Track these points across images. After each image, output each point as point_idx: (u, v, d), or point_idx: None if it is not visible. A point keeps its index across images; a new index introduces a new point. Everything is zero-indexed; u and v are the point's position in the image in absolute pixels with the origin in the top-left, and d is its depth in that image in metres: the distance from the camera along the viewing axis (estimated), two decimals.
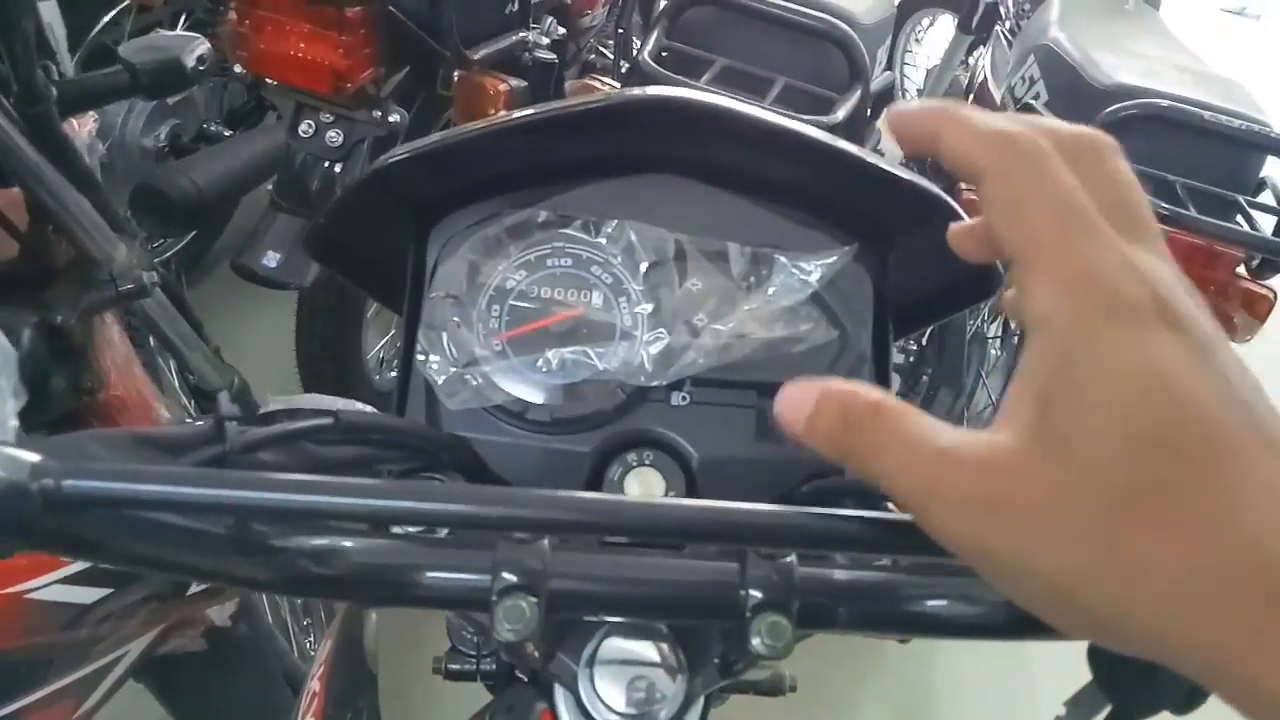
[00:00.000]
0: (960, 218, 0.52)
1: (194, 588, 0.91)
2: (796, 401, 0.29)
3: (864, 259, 0.53)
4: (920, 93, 3.49)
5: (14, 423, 0.33)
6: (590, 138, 0.54)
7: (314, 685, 0.73)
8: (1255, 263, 1.33)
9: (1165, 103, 1.32)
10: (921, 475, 0.26)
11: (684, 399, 0.52)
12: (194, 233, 2.17)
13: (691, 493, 0.50)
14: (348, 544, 0.37)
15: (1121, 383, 0.23)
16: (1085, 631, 0.26)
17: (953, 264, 0.57)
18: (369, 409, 0.72)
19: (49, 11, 1.16)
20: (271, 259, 1.45)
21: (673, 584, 0.38)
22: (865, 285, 0.54)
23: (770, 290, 0.51)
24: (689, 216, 0.53)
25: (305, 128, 1.44)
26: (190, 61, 0.91)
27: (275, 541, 0.36)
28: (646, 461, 0.50)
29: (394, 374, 2.16)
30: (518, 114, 0.52)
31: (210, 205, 1.82)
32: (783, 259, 0.52)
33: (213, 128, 2.15)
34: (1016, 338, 1.58)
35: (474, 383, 0.49)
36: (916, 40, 3.74)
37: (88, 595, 0.80)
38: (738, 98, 1.14)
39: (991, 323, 1.98)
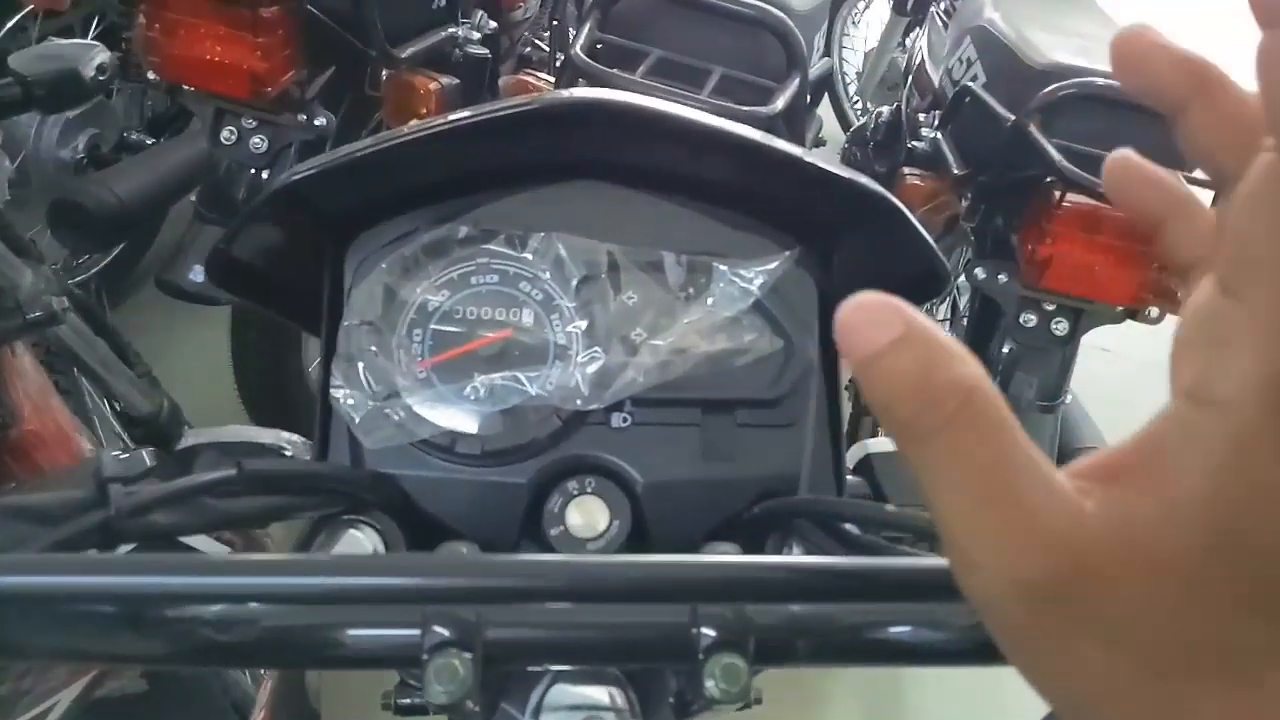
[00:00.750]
0: (903, 215, 0.50)
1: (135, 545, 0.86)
2: (866, 321, 0.19)
3: (806, 262, 0.51)
4: (859, 75, 3.49)
5: None
6: (511, 144, 0.51)
7: None
8: None
9: (1101, 81, 1.32)
10: (994, 527, 0.19)
11: (624, 420, 0.49)
12: (119, 247, 2.08)
13: (637, 519, 0.47)
14: (254, 606, 0.34)
15: None
16: None
17: (898, 262, 0.55)
18: (296, 438, 0.68)
19: None
20: (198, 273, 1.39)
21: (619, 627, 0.36)
22: (809, 290, 0.51)
23: (710, 300, 0.49)
24: (621, 225, 0.50)
25: (227, 134, 1.38)
26: (89, 71, 0.85)
27: (170, 612, 0.32)
28: (588, 489, 0.47)
29: None
30: (431, 123, 0.48)
31: (134, 217, 1.74)
32: (721, 266, 0.49)
33: (134, 136, 2.06)
34: (966, 319, 1.58)
35: (395, 417, 0.46)
36: (853, 23, 3.74)
37: None
38: (669, 95, 1.11)
39: (940, 304, 1.99)
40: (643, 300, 0.49)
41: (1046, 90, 1.32)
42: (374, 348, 0.47)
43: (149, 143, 2.04)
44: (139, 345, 1.28)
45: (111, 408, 1.28)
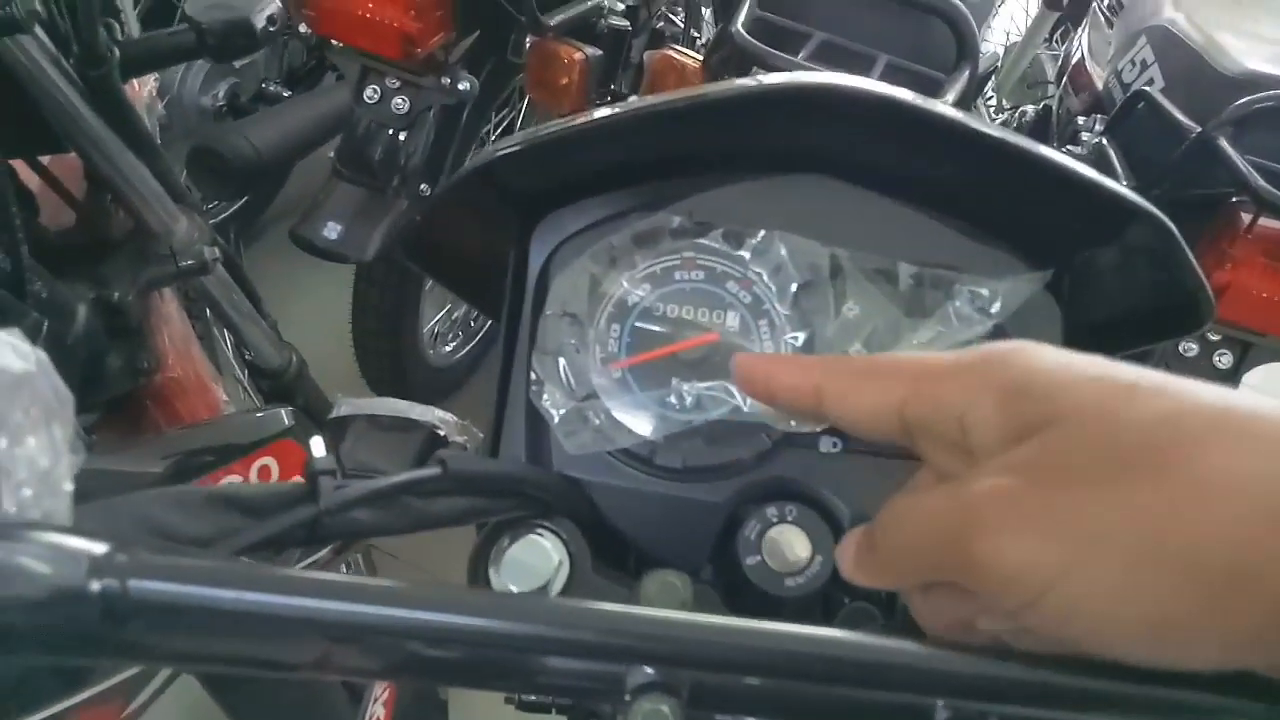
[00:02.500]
0: (1174, 238, 0.44)
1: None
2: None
3: (1054, 285, 0.45)
4: (996, 71, 3.33)
5: (69, 487, 0.27)
6: (729, 130, 0.46)
7: (378, 711, 0.67)
8: None
9: None
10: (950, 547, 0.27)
11: (835, 446, 0.44)
12: (246, 197, 2.13)
13: None
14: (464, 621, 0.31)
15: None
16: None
17: (1152, 290, 0.49)
18: (450, 417, 0.65)
19: None
20: (332, 230, 1.39)
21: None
22: (1054, 318, 0.45)
23: (943, 320, 0.43)
24: (847, 227, 0.45)
25: (370, 93, 1.37)
26: (260, 21, 0.84)
27: (379, 640, 0.30)
28: (789, 518, 0.42)
29: (448, 349, 2.09)
30: (650, 101, 0.44)
31: (267, 168, 1.77)
32: (959, 283, 0.44)
33: (271, 88, 2.09)
34: None
35: (595, 421, 0.42)
36: (992, 13, 3.56)
37: None
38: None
39: None
40: (865, 313, 0.44)
41: (1241, 101, 1.21)
42: (574, 341, 0.43)
43: (285, 95, 2.07)
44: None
45: (240, 355, 1.30)
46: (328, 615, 0.25)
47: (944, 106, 0.40)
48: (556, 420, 0.42)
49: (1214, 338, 1.30)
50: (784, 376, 0.33)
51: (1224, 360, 1.31)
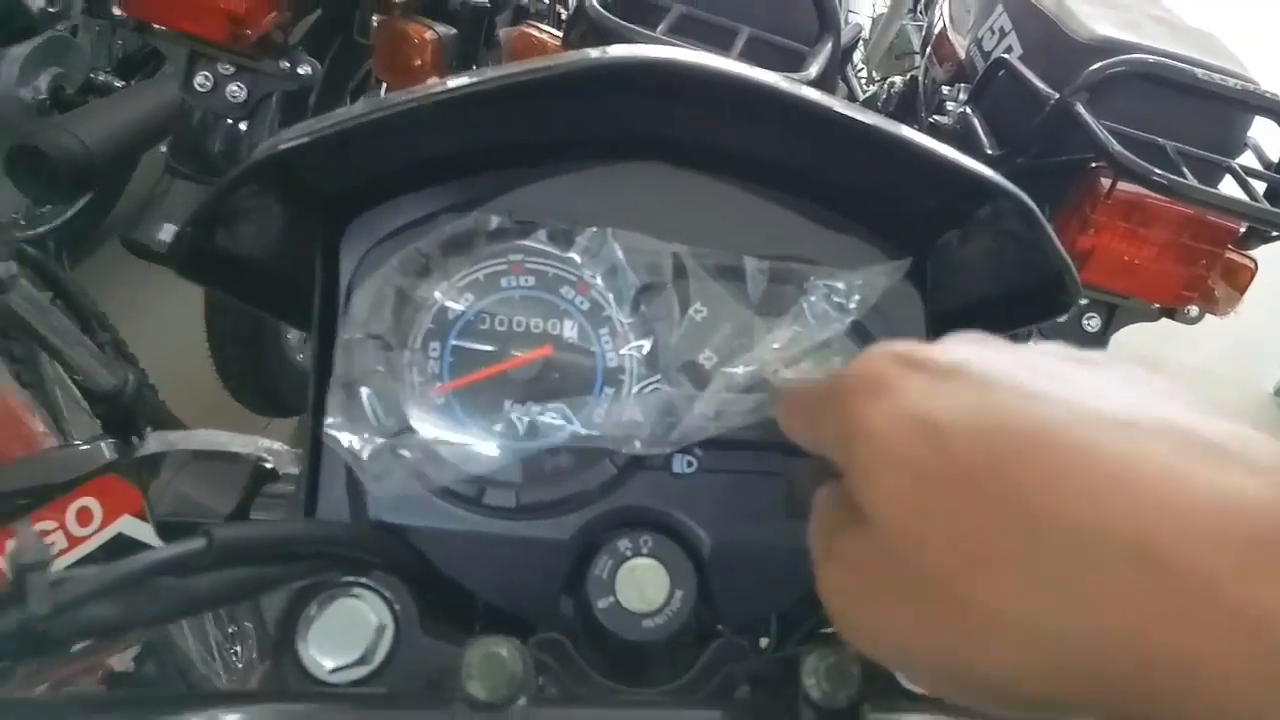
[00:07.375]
0: (1036, 217, 0.41)
1: (79, 644, 0.76)
2: None
3: (913, 274, 0.42)
4: (865, 42, 3.37)
5: None
6: (552, 113, 0.41)
7: None
8: (1240, 231, 1.26)
9: (1153, 59, 1.22)
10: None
11: (689, 465, 0.39)
12: (85, 199, 1.95)
13: (703, 588, 0.38)
14: None
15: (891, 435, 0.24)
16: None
17: (1016, 273, 0.46)
18: (278, 447, 0.58)
19: None
20: (168, 233, 1.27)
21: None
22: (917, 308, 0.42)
23: (798, 318, 0.39)
24: (688, 219, 0.40)
25: (201, 80, 1.26)
26: (39, 1, 0.73)
27: None
28: (644, 550, 0.38)
29: None
30: (452, 84, 0.38)
31: (100, 166, 1.62)
32: (813, 276, 0.40)
33: (101, 78, 1.91)
34: None
35: (409, 457, 0.36)
36: None
37: None
38: (725, 58, 1.00)
39: None
40: (714, 316, 0.39)
41: (1095, 67, 1.22)
42: (381, 368, 0.37)
43: (118, 85, 1.90)
44: (105, 307, 1.18)
45: (74, 381, 1.18)
46: None
47: (792, 84, 0.36)
48: (364, 462, 0.36)
49: (1082, 302, 1.33)
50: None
51: (1092, 323, 1.34)
